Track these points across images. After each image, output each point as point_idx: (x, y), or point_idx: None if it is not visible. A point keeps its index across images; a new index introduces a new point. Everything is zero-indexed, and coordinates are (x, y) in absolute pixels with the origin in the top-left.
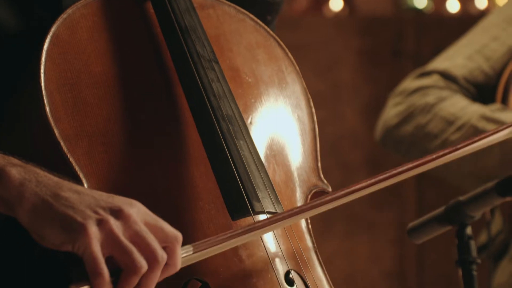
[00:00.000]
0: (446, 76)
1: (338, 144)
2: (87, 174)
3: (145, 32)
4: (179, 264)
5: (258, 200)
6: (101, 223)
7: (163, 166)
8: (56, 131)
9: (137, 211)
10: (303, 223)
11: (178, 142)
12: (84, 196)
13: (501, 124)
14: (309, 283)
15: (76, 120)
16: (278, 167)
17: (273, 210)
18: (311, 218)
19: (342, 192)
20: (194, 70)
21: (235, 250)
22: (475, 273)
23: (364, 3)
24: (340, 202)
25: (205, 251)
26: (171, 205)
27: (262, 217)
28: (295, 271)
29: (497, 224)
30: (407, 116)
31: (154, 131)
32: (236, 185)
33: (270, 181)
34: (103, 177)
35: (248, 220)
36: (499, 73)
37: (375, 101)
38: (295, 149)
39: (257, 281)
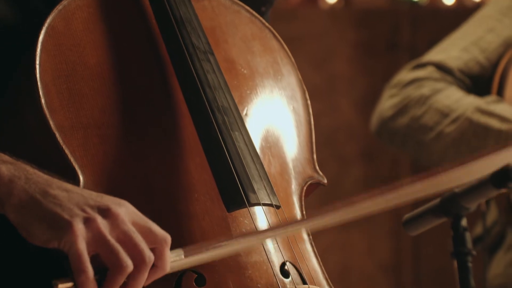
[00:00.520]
0: (441, 68)
1: (334, 136)
2: (82, 165)
3: (140, 24)
4: (167, 267)
5: (254, 192)
6: (88, 221)
7: (158, 158)
8: (51, 123)
9: (126, 211)
10: (298, 214)
11: (174, 134)
12: (72, 194)
13: (496, 117)
14: (304, 275)
15: (72, 111)
16: (274, 159)
17: (269, 202)
18: (306, 208)
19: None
20: (190, 61)
21: None
22: (470, 264)
23: None
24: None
25: (196, 256)
26: (167, 197)
27: (257, 208)
28: (290, 262)
29: (492, 215)
30: (402, 108)
31: (150, 123)
32: (231, 176)
33: (265, 173)
34: (98, 168)
35: (243, 211)
36: (494, 65)
37: (371, 93)
38: (291, 141)
39: (252, 272)
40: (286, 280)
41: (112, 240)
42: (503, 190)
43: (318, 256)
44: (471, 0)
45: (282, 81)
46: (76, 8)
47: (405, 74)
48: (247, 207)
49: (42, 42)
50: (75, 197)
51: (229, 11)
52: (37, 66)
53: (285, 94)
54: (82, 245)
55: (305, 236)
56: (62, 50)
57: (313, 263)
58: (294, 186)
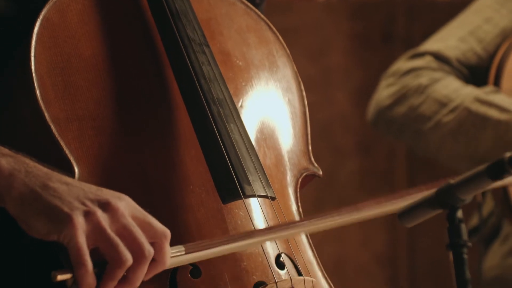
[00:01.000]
0: (439, 57)
1: (329, 128)
2: (78, 157)
3: (135, 16)
4: (167, 261)
5: (249, 184)
6: (88, 214)
7: (153, 150)
8: (46, 115)
9: (125, 204)
10: (293, 205)
11: (169, 126)
12: (72, 188)
13: (495, 107)
14: (299, 266)
15: (67, 103)
16: (269, 151)
17: (264, 194)
18: (301, 199)
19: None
20: (185, 53)
21: (225, 233)
22: (466, 256)
23: None
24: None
25: (196, 253)
26: (162, 189)
27: (252, 200)
28: (285, 254)
29: (488, 206)
30: (400, 97)
31: (145, 115)
32: (226, 168)
33: (260, 165)
34: (93, 160)
35: (238, 203)
36: (491, 55)
37: (366, 85)
38: (286, 133)
39: (247, 264)
40: (281, 272)
41: (112, 234)
42: (499, 182)
43: (313, 248)
44: None
45: (277, 73)
46: (71, 0)
47: (403, 63)
48: (242, 198)
49: (37, 34)
50: (75, 191)
51: (224, 3)
52: (32, 58)
53: (281, 86)
54: (81, 239)
55: None
56: (57, 42)
57: (308, 254)
58: (289, 178)
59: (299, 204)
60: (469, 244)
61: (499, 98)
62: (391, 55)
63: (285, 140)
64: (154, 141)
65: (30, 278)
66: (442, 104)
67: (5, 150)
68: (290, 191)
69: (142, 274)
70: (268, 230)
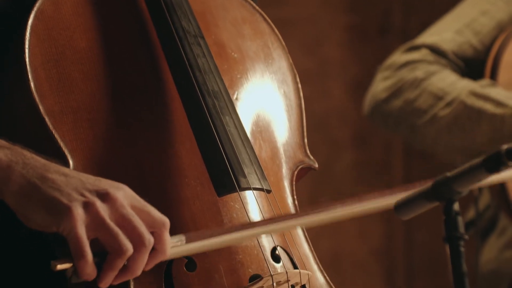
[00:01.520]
0: (435, 50)
1: (325, 121)
2: (72, 150)
3: (130, 8)
4: (167, 250)
5: (244, 176)
6: (87, 205)
7: (148, 142)
8: (41, 107)
9: (124, 194)
10: (289, 198)
11: (164, 118)
12: (70, 179)
13: (490, 101)
14: (295, 260)
15: (61, 96)
16: (264, 143)
17: (259, 186)
18: (297, 192)
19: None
20: (180, 45)
21: (220, 226)
22: (462, 249)
23: None
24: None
25: (198, 243)
26: (157, 182)
27: (248, 193)
28: (281, 247)
29: (485, 199)
30: (396, 91)
31: (140, 107)
32: (222, 161)
33: (256, 157)
34: (88, 153)
35: (234, 196)
36: (488, 48)
37: (363, 78)
38: (281, 125)
39: (243, 257)
40: (277, 265)
41: (112, 224)
42: (496, 174)
43: (310, 241)
44: None
45: (272, 65)
46: None
47: (399, 56)
48: (237, 191)
49: (31, 26)
50: (73, 182)
51: None
52: (27, 51)
53: (276, 78)
54: (81, 230)
55: None
56: (52, 34)
57: (304, 248)
58: (285, 171)
59: (295, 197)
60: (466, 237)
61: (495, 92)
62: (388, 47)
63: (280, 132)
64: (149, 133)
65: (28, 270)
66: (438, 97)
67: (2, 142)
68: (286, 183)
69: (142, 264)
70: (272, 220)
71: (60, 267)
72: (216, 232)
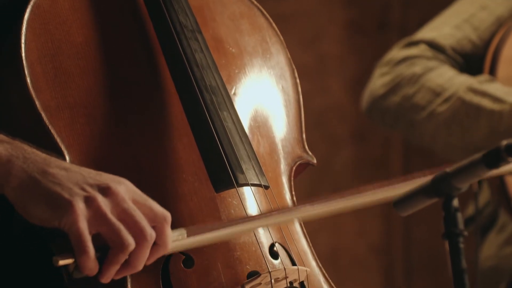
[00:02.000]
0: (434, 46)
1: (324, 117)
2: (69, 145)
3: (127, 3)
4: (168, 244)
5: (242, 172)
6: (88, 200)
7: (145, 138)
8: (37, 103)
9: (125, 188)
10: (287, 194)
11: (161, 113)
12: (71, 173)
13: (488, 97)
14: (293, 256)
15: (57, 91)
16: (262, 139)
17: (257, 182)
18: (295, 188)
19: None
20: (177, 40)
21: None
22: (462, 245)
23: None
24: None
25: (198, 236)
26: (154, 177)
27: (246, 189)
28: (279, 243)
29: (484, 195)
30: (394, 87)
31: (136, 102)
32: (219, 156)
33: (254, 153)
34: (84, 148)
35: (231, 192)
36: (487, 43)
37: (361, 73)
38: (280, 121)
39: (241, 254)
40: (275, 262)
41: (113, 219)
42: (495, 170)
43: (308, 238)
44: None
45: (271, 60)
46: None
47: (397, 52)
48: (235, 187)
49: (27, 20)
50: (75, 176)
51: None
52: (23, 45)
53: (274, 73)
54: (83, 225)
55: None
56: (48, 29)
57: (303, 244)
58: (283, 166)
59: (293, 193)
60: (465, 233)
61: (493, 88)
62: (387, 43)
63: (278, 128)
64: (146, 128)
65: (25, 267)
66: (436, 93)
67: (2, 136)
68: (284, 179)
69: (144, 258)
70: (273, 213)
71: (62, 262)
72: (217, 225)
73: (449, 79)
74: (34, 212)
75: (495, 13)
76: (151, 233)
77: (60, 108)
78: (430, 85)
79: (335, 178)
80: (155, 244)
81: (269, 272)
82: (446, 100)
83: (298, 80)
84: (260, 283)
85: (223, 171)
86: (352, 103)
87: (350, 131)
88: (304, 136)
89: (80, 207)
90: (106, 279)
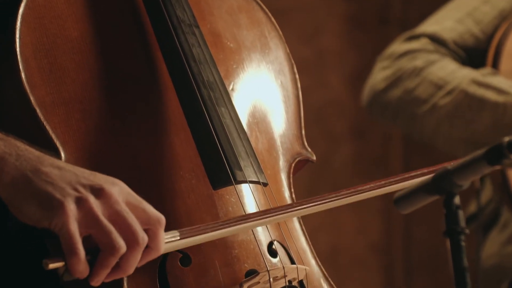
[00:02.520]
0: (435, 39)
1: (323, 113)
2: (64, 142)
3: None
4: (161, 248)
5: (240, 169)
6: (80, 201)
7: (142, 134)
8: (32, 98)
9: (119, 190)
10: (286, 191)
11: (158, 109)
12: (65, 172)
13: (492, 89)
14: (292, 254)
15: (52, 86)
16: (261, 135)
17: (255, 179)
18: (294, 185)
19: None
20: (174, 35)
21: (216, 220)
22: (463, 243)
23: None
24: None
25: (191, 238)
26: (151, 174)
27: (244, 186)
28: (278, 242)
29: (487, 193)
30: (395, 80)
31: (133, 98)
32: (217, 153)
33: (252, 150)
34: (80, 145)
35: (229, 189)
36: (489, 37)
37: (361, 68)
38: (278, 116)
39: (239, 252)
40: (274, 260)
41: (105, 221)
42: (497, 167)
43: (307, 236)
44: None
45: (269, 54)
46: None
47: (398, 46)
48: (233, 184)
49: (22, 15)
50: (68, 175)
51: None
52: (17, 40)
53: (273, 68)
54: (73, 226)
55: None
56: (43, 23)
57: (302, 242)
58: (282, 163)
59: (292, 190)
60: (467, 231)
61: (497, 80)
62: (387, 37)
63: (277, 124)
64: (142, 124)
65: (21, 265)
66: (438, 86)
67: None
68: (283, 176)
69: (135, 262)
70: (264, 212)
71: (52, 266)
72: (211, 226)
73: (451, 72)
74: (25, 211)
75: (498, 7)
76: (143, 237)
77: (55, 104)
78: (432, 78)
79: (335, 175)
80: (147, 247)
81: (268, 271)
82: (449, 93)
83: (297, 75)
84: (258, 282)
85: (221, 168)
86: (352, 98)
87: (349, 128)
88: (303, 132)
89: (71, 208)
90: (96, 282)
